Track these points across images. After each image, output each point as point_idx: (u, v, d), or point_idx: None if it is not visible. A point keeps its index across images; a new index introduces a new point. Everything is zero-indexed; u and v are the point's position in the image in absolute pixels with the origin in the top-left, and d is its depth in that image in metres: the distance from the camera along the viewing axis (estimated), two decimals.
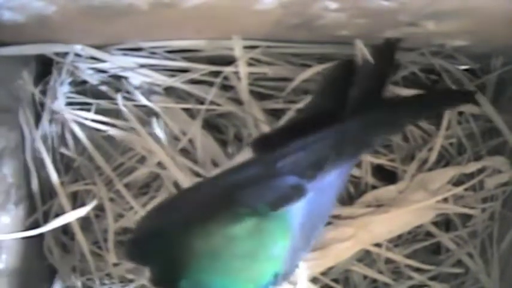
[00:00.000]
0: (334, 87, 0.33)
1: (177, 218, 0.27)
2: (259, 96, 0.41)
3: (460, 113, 0.41)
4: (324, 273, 0.41)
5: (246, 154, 0.32)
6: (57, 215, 0.41)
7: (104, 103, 0.41)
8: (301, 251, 0.29)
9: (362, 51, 0.36)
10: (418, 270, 0.42)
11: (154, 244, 0.27)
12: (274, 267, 0.27)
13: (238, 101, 0.40)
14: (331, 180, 0.29)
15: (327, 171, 0.28)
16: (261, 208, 0.26)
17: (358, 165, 0.41)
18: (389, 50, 0.35)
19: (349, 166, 0.31)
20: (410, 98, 0.37)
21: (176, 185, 0.40)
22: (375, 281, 0.43)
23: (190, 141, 0.40)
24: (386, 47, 0.35)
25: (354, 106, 0.31)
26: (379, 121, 0.31)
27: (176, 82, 0.40)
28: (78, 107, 0.41)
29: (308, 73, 0.39)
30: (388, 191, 0.41)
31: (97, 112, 0.41)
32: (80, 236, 0.40)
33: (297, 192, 0.27)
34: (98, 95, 0.41)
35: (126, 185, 0.41)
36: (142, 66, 0.40)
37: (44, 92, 0.41)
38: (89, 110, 0.41)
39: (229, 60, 0.39)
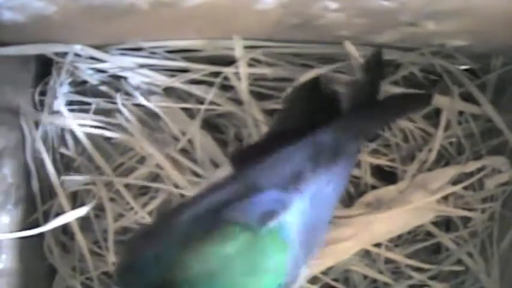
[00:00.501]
0: (303, 104, 0.34)
1: (167, 243, 0.27)
2: (259, 97, 0.41)
3: (460, 113, 0.41)
4: (324, 273, 0.41)
5: (225, 169, 0.32)
6: (57, 215, 0.41)
7: (103, 103, 0.41)
8: (304, 258, 0.29)
9: (352, 52, 0.36)
10: (418, 270, 0.42)
11: (147, 271, 0.26)
12: (276, 279, 0.27)
13: (238, 101, 0.40)
14: (326, 185, 0.29)
15: (309, 181, 0.28)
16: (251, 223, 0.26)
17: (358, 165, 0.41)
18: (377, 62, 0.35)
19: (347, 169, 0.32)
20: (372, 106, 0.35)
21: (176, 185, 0.40)
22: (375, 281, 0.43)
23: (190, 141, 0.40)
24: (374, 59, 0.35)
25: (332, 117, 0.31)
26: (350, 129, 0.31)
27: (176, 82, 0.40)
28: (78, 107, 0.41)
29: (308, 74, 0.39)
30: (388, 191, 0.41)
31: (97, 112, 0.41)
32: (79, 236, 0.40)
33: (280, 206, 0.27)
34: (98, 95, 0.41)
35: (126, 185, 0.41)
36: (142, 66, 0.40)
37: (44, 92, 0.41)
38: (88, 110, 0.41)
39: (229, 60, 0.39)
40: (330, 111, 0.33)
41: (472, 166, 0.40)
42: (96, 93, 0.41)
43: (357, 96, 0.33)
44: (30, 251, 0.40)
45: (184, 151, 0.40)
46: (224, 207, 0.27)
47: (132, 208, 0.41)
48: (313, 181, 0.28)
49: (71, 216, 0.40)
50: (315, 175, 0.28)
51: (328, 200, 0.30)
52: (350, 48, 0.37)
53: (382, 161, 0.42)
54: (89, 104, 0.41)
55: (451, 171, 0.40)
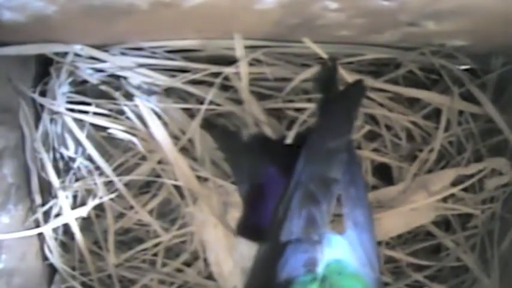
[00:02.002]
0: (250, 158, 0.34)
1: None
2: (259, 96, 0.41)
3: (460, 113, 0.41)
4: None
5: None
6: (57, 215, 0.41)
7: (103, 103, 0.41)
8: (378, 267, 0.29)
9: (315, 50, 0.36)
10: (418, 269, 0.42)
11: None
12: None
13: (238, 101, 0.40)
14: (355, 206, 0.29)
15: (324, 222, 0.27)
16: (310, 275, 0.27)
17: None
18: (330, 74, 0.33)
19: (352, 171, 0.31)
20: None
21: (177, 187, 0.40)
22: None
23: (190, 140, 0.40)
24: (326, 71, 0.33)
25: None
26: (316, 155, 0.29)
27: (176, 82, 0.40)
28: (78, 106, 0.41)
29: (307, 73, 0.39)
30: (388, 191, 0.41)
31: (97, 112, 0.41)
32: (79, 236, 0.40)
33: (314, 252, 0.27)
34: (98, 94, 0.41)
35: (126, 185, 0.41)
36: (142, 66, 0.40)
37: (43, 92, 0.41)
38: (88, 110, 0.41)
39: (230, 60, 0.39)
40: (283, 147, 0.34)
41: (473, 168, 0.40)
42: (96, 93, 0.41)
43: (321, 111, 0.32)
44: (30, 251, 0.40)
45: (184, 150, 0.40)
46: (273, 271, 0.27)
47: (132, 207, 0.41)
48: (328, 213, 0.28)
49: (71, 216, 0.40)
50: (323, 211, 0.27)
51: (366, 212, 0.30)
52: (312, 45, 0.37)
53: (382, 160, 0.42)
54: (89, 103, 0.41)
55: (452, 173, 0.40)
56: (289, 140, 0.38)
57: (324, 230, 0.27)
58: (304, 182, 0.28)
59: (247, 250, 0.30)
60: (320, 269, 0.26)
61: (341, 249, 0.28)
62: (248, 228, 0.32)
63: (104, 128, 0.41)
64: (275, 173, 0.31)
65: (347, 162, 0.29)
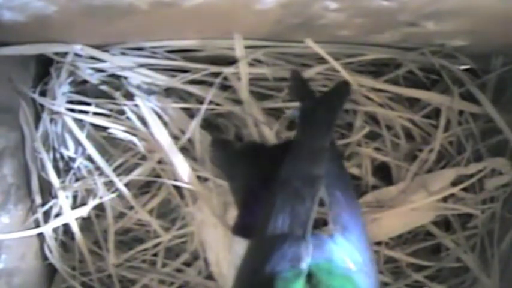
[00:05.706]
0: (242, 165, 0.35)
1: None
2: (259, 96, 0.41)
3: (460, 113, 0.41)
4: None
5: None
6: (57, 215, 0.41)
7: (103, 103, 0.41)
8: (373, 272, 0.29)
9: (317, 50, 0.36)
10: (418, 269, 0.42)
11: None
12: None
13: (238, 101, 0.40)
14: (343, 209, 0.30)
15: (308, 218, 0.28)
16: (296, 271, 0.27)
17: (359, 165, 0.42)
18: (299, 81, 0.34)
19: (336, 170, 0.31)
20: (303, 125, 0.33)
21: (177, 187, 0.41)
22: None
23: (190, 140, 0.40)
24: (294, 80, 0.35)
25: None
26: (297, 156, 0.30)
27: (176, 82, 0.40)
28: (78, 106, 0.41)
29: (307, 73, 0.39)
30: (388, 191, 0.41)
31: (97, 112, 0.41)
32: (79, 236, 0.40)
33: (300, 251, 0.27)
34: (98, 94, 0.41)
35: (126, 185, 0.41)
36: (142, 66, 0.40)
37: (43, 92, 0.41)
38: (88, 110, 0.41)
39: (230, 60, 0.39)
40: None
41: (473, 168, 0.40)
42: (96, 93, 0.41)
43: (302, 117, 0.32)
44: (30, 251, 0.40)
45: (184, 150, 0.40)
46: (259, 265, 0.27)
47: (132, 207, 0.41)
48: (312, 209, 0.28)
49: (71, 216, 0.40)
50: (307, 209, 0.28)
51: (356, 213, 0.30)
52: (314, 46, 0.37)
53: (382, 160, 0.42)
54: (89, 103, 0.41)
55: (452, 173, 0.40)
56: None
57: (308, 226, 0.27)
58: (289, 179, 0.28)
59: (242, 249, 0.30)
60: (304, 265, 0.26)
61: (330, 251, 0.28)
62: (243, 228, 0.33)
63: (104, 128, 0.41)
64: (266, 177, 0.32)
65: (329, 164, 0.30)
